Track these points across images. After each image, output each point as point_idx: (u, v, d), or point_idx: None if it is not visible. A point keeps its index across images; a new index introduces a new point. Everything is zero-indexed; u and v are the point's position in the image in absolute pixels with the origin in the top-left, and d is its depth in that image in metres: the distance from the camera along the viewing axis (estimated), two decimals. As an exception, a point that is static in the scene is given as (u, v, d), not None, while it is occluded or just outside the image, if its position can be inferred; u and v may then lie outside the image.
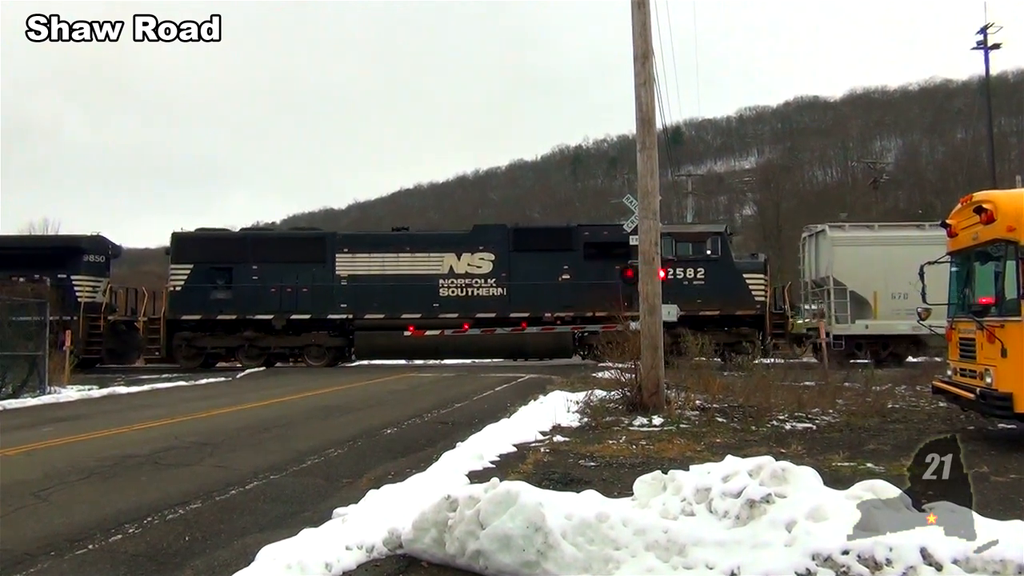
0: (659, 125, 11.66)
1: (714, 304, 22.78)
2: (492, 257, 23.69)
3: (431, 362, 25.02)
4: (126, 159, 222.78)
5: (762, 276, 23.20)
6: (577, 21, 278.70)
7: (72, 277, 23.63)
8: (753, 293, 22.83)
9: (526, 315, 23.28)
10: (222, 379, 19.70)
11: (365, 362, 25.80)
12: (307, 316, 23.58)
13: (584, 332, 23.02)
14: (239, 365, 23.68)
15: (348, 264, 23.86)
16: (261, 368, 23.55)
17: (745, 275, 23.00)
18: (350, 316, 23.55)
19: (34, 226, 56.29)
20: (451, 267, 23.69)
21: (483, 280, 23.61)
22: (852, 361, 16.46)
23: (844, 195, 75.47)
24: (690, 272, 23.04)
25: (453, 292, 23.59)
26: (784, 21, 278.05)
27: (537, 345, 23.72)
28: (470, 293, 23.59)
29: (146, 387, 17.21)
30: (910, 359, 20.75)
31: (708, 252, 23.21)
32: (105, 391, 16.17)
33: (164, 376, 20.53)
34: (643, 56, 11.18)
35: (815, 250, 22.97)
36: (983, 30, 29.12)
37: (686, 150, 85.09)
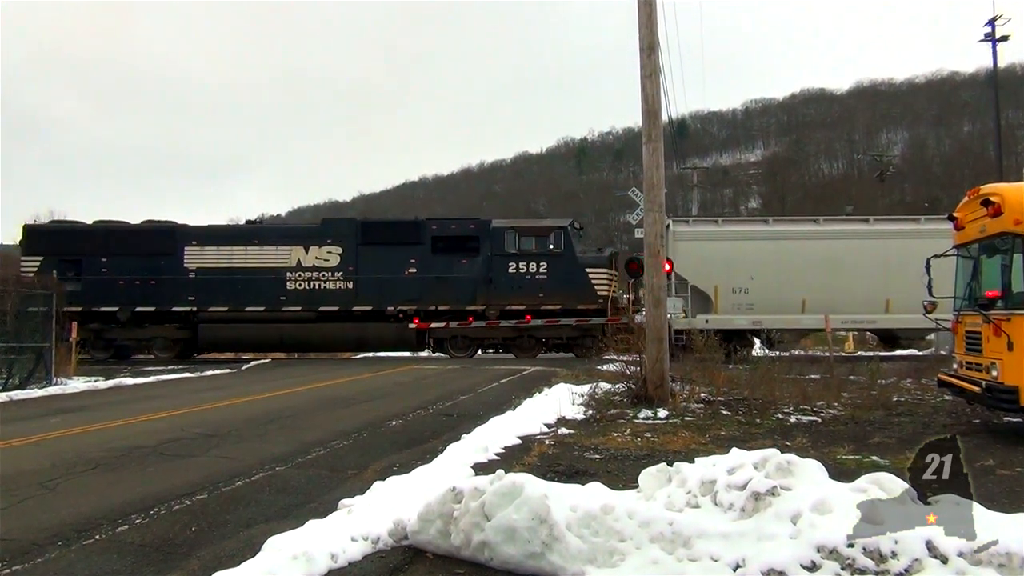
0: (665, 117, 11.64)
1: (556, 298, 22.92)
2: (340, 250, 23.62)
3: (436, 355, 25.03)
4: (134, 152, 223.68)
5: (606, 270, 23.19)
6: (583, 13, 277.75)
7: None
8: (596, 287, 22.81)
9: (370, 309, 23.36)
10: (227, 371, 19.78)
11: (371, 354, 25.78)
12: (152, 308, 23.59)
13: (432, 326, 23.45)
14: (88, 357, 23.49)
15: (196, 257, 23.78)
16: (266, 360, 23.59)
17: (588, 269, 23.00)
18: (195, 309, 23.57)
19: (39, 217, 56.52)
20: (299, 260, 23.62)
21: (330, 273, 23.59)
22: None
23: (850, 188, 75.24)
24: (533, 266, 23.15)
25: (300, 285, 23.57)
26: (790, 13, 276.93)
27: (379, 338, 23.92)
28: (317, 286, 23.58)
29: (152, 379, 17.28)
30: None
31: (551, 247, 23.23)
32: (111, 382, 16.26)
33: (170, 368, 20.65)
34: (649, 48, 11.13)
35: (665, 245, 22.65)
36: (991, 22, 28.89)
37: (692, 143, 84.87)
